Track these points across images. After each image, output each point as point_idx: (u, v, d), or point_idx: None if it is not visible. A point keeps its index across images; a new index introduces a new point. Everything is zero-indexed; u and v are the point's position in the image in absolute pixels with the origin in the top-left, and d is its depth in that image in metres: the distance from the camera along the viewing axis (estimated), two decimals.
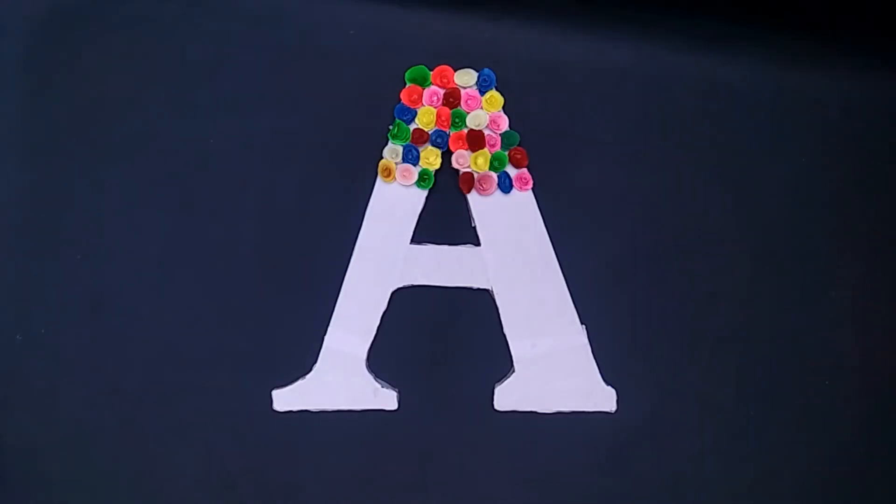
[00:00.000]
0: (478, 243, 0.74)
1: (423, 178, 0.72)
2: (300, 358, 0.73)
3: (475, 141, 0.72)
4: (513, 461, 0.76)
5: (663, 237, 0.75)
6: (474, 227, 0.73)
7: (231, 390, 0.74)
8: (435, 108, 0.72)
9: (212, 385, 0.74)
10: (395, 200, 0.72)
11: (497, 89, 0.72)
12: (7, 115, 0.72)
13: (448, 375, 0.75)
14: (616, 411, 0.75)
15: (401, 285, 0.73)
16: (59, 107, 0.72)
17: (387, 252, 0.73)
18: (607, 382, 0.74)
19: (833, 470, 0.77)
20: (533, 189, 0.73)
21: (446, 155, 0.73)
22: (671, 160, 0.75)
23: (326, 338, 0.73)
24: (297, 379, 0.74)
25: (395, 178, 0.72)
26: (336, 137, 0.73)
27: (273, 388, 0.74)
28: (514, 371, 0.74)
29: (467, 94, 0.72)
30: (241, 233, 0.73)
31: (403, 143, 0.72)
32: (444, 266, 0.73)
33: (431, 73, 0.72)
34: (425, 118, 0.72)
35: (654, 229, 0.75)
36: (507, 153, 0.72)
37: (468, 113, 0.72)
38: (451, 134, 0.72)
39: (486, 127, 0.72)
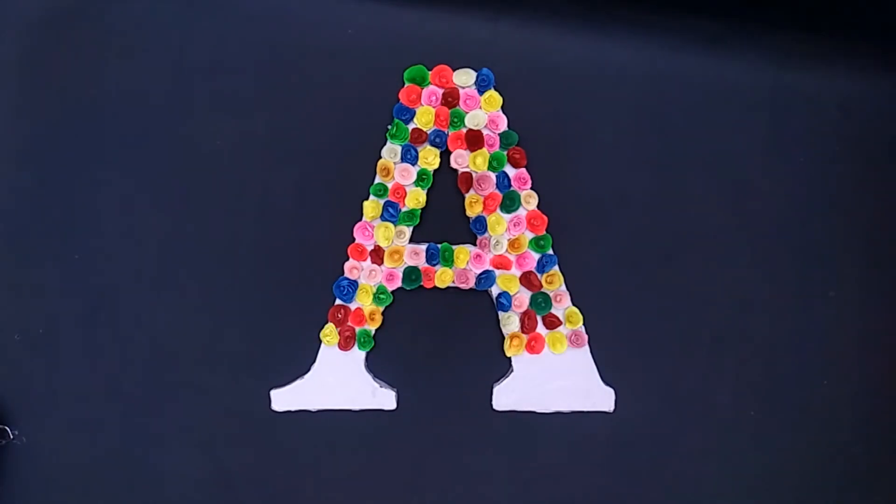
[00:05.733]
0: (475, 243, 0.74)
1: (421, 178, 0.72)
2: (299, 357, 0.73)
3: (474, 141, 0.72)
4: (511, 461, 0.76)
5: (662, 237, 0.75)
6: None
7: (229, 390, 0.74)
8: (433, 107, 0.72)
9: (210, 385, 0.74)
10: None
11: (496, 89, 0.72)
12: (5, 114, 0.72)
13: (447, 375, 0.75)
14: (614, 411, 0.74)
15: (400, 285, 0.73)
16: (57, 106, 0.73)
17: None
18: (606, 383, 0.74)
19: (831, 470, 0.77)
20: (532, 188, 0.72)
21: (445, 155, 0.73)
22: (669, 160, 0.75)
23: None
24: (295, 379, 0.74)
25: (393, 178, 0.72)
26: (334, 137, 0.73)
27: (271, 388, 0.74)
28: (512, 371, 0.74)
29: (466, 93, 0.72)
30: (239, 232, 0.73)
31: (402, 143, 0.72)
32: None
33: (430, 72, 0.72)
34: (424, 118, 0.72)
35: (653, 229, 0.75)
36: (505, 153, 0.72)
37: (467, 113, 0.72)
38: (449, 134, 0.72)
39: (485, 127, 0.72)
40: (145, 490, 0.75)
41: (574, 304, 0.73)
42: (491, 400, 0.74)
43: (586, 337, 0.73)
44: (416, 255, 0.72)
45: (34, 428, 0.74)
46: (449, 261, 0.72)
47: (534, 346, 0.73)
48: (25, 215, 0.73)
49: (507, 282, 0.73)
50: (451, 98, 0.72)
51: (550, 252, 0.73)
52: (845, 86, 0.75)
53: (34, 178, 0.73)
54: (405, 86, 0.72)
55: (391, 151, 0.72)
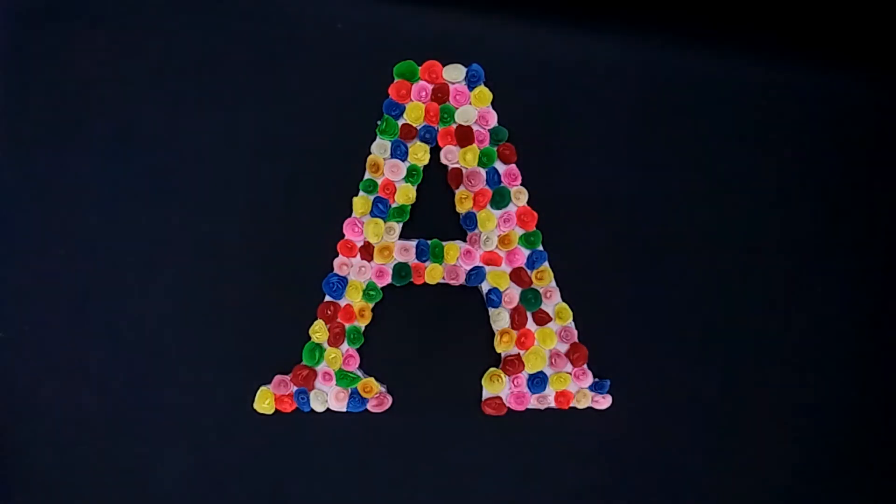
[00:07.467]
0: (466, 239, 0.73)
1: (411, 174, 0.72)
2: (289, 356, 0.73)
3: (464, 136, 0.72)
4: (504, 458, 0.75)
5: (652, 233, 0.75)
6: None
7: (218, 388, 0.73)
8: (423, 103, 0.72)
9: (200, 385, 0.73)
10: None
11: (485, 85, 0.72)
12: None
13: (437, 371, 0.74)
14: (607, 407, 0.74)
15: (389, 281, 0.73)
16: (42, 101, 0.72)
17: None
18: (598, 378, 0.74)
19: (818, 463, 0.77)
20: (522, 185, 0.72)
21: (435, 150, 0.73)
22: (659, 156, 0.75)
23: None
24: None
25: (383, 174, 0.72)
26: (324, 133, 0.73)
27: (260, 386, 0.73)
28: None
29: (456, 89, 0.72)
30: (228, 229, 0.73)
31: (392, 139, 0.72)
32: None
33: (420, 68, 0.72)
34: (414, 113, 0.72)
35: (643, 225, 0.75)
36: (495, 149, 0.72)
37: (457, 108, 0.72)
38: (439, 129, 0.72)
39: (475, 122, 0.72)
40: (131, 491, 0.74)
41: (564, 300, 0.74)
42: (481, 396, 0.74)
43: (575, 332, 0.73)
44: (405, 252, 0.72)
45: (19, 426, 0.73)
46: (439, 257, 0.72)
47: (524, 343, 0.73)
48: (9, 210, 0.72)
49: (497, 278, 0.73)
50: (440, 94, 0.72)
51: (540, 248, 0.73)
52: (830, 82, 0.76)
53: (19, 173, 0.72)
54: (395, 81, 0.72)
55: (381, 147, 0.72)
